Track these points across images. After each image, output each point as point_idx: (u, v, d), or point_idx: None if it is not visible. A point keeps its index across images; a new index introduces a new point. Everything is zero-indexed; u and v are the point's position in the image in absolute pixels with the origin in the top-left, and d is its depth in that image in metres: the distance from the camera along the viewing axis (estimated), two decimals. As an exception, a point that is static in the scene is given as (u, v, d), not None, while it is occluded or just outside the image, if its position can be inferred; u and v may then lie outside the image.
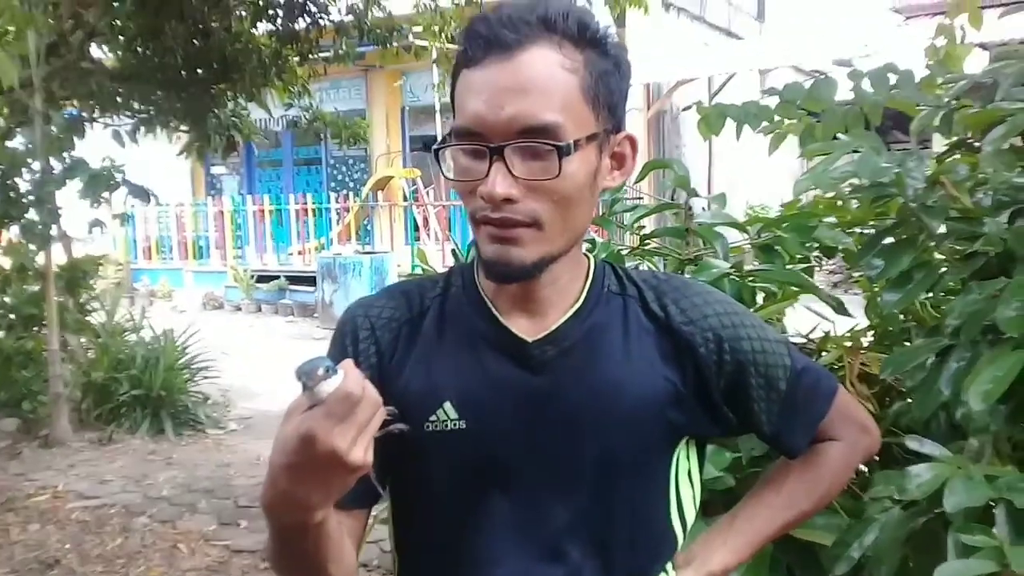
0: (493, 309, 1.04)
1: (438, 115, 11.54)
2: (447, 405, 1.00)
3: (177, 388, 6.10)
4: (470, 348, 1.03)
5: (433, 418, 1.00)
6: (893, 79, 1.82)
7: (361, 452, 0.78)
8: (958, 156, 1.68)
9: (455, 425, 1.00)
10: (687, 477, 1.09)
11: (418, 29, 6.13)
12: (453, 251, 2.34)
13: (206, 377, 6.54)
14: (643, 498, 1.05)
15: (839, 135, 1.67)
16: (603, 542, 1.02)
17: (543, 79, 0.92)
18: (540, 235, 0.95)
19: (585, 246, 1.16)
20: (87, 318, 6.06)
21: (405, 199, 12.56)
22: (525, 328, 1.02)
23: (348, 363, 0.79)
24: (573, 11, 0.95)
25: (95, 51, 5.74)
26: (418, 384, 1.02)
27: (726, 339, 1.04)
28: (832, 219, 1.91)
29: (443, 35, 5.77)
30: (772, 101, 1.91)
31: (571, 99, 0.93)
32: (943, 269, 1.49)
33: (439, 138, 0.99)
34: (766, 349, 1.06)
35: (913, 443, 1.35)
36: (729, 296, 1.17)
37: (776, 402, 1.07)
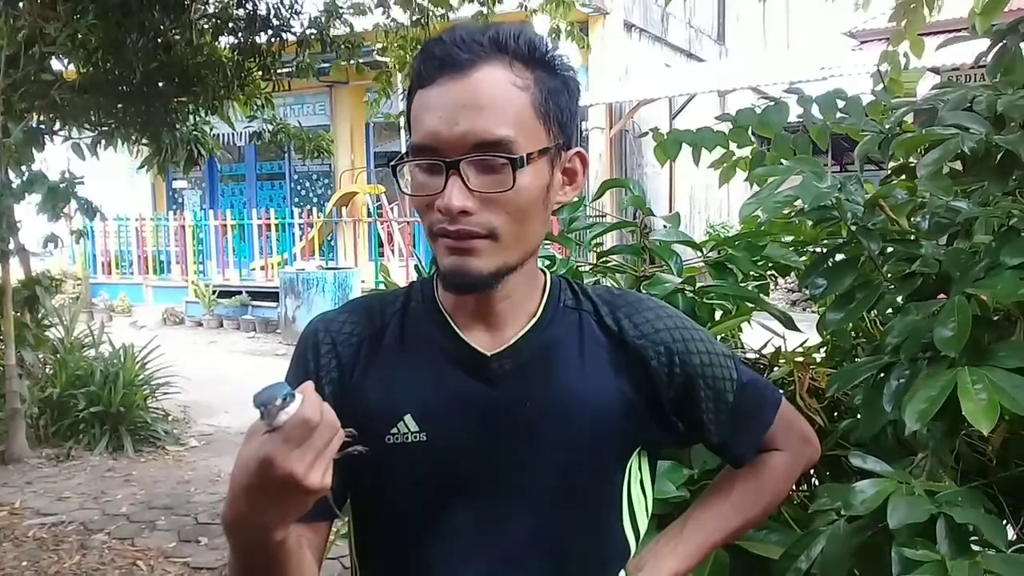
0: (452, 323, 1.06)
1: (403, 131, 11.54)
2: (408, 418, 1.02)
3: (136, 404, 6.03)
4: (430, 362, 1.05)
5: (394, 431, 1.02)
6: (841, 104, 1.88)
7: (318, 476, 0.80)
8: (902, 179, 1.75)
9: (416, 438, 1.02)
10: (639, 487, 1.12)
11: (380, 46, 6.15)
12: (416, 267, 2.36)
13: (166, 393, 6.46)
14: (598, 507, 1.08)
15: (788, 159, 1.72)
16: (560, 551, 1.05)
17: (495, 95, 0.96)
18: (496, 246, 0.98)
19: (545, 263, 1.19)
20: (45, 333, 5.98)
21: (369, 215, 12.54)
22: (484, 342, 1.05)
23: (307, 387, 0.81)
24: (523, 32, 0.99)
25: (55, 64, 5.68)
26: (379, 398, 1.04)
27: (677, 352, 1.08)
28: (785, 238, 1.97)
29: (402, 51, 5.79)
30: (726, 126, 1.97)
31: (523, 115, 0.97)
32: (889, 287, 1.53)
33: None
34: (714, 363, 1.10)
35: (856, 460, 1.37)
36: (681, 312, 1.22)
37: (723, 413, 1.11)
